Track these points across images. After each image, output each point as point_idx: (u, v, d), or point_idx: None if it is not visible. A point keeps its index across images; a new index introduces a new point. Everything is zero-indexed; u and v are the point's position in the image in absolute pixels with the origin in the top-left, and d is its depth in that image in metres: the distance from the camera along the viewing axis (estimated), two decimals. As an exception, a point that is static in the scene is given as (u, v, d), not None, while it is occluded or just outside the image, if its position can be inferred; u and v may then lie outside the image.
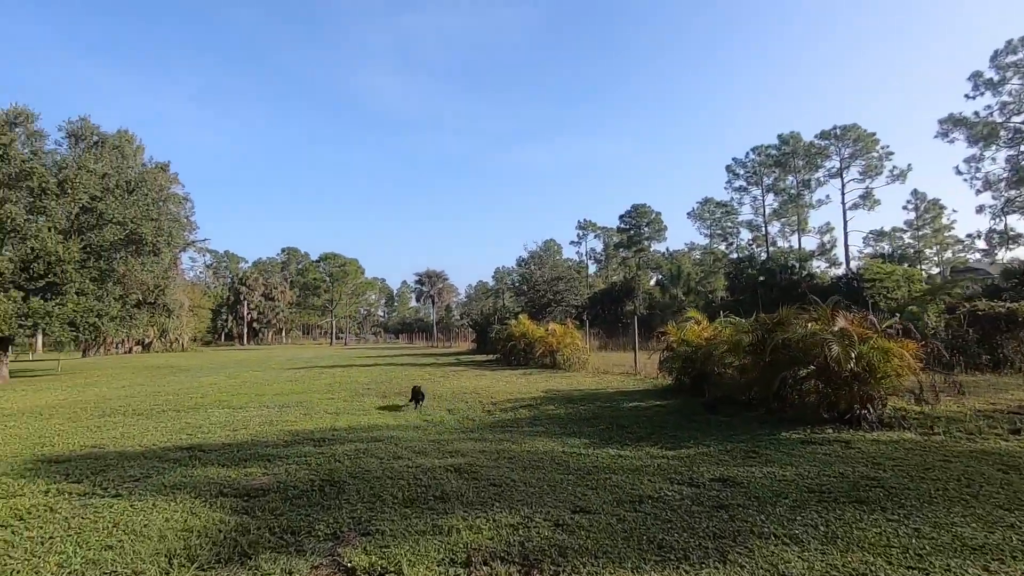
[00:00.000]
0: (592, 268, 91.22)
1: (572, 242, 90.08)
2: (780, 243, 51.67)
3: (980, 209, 43.72)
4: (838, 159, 45.52)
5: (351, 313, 78.83)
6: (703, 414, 8.04)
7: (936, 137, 37.70)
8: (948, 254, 49.14)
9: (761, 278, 45.37)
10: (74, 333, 17.68)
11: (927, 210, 48.79)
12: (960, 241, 48.42)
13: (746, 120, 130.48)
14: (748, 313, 10.48)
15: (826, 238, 50.28)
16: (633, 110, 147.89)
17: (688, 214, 67.59)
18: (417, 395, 9.76)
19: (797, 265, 43.88)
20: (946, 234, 48.76)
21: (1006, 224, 45.10)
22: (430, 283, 65.46)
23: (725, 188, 54.37)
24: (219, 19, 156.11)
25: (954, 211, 50.53)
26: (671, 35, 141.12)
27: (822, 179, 47.20)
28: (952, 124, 36.17)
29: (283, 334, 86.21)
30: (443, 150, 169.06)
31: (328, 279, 62.85)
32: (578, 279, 47.34)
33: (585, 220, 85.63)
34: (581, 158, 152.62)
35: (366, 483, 4.91)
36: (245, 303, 75.39)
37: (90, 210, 17.74)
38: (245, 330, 76.40)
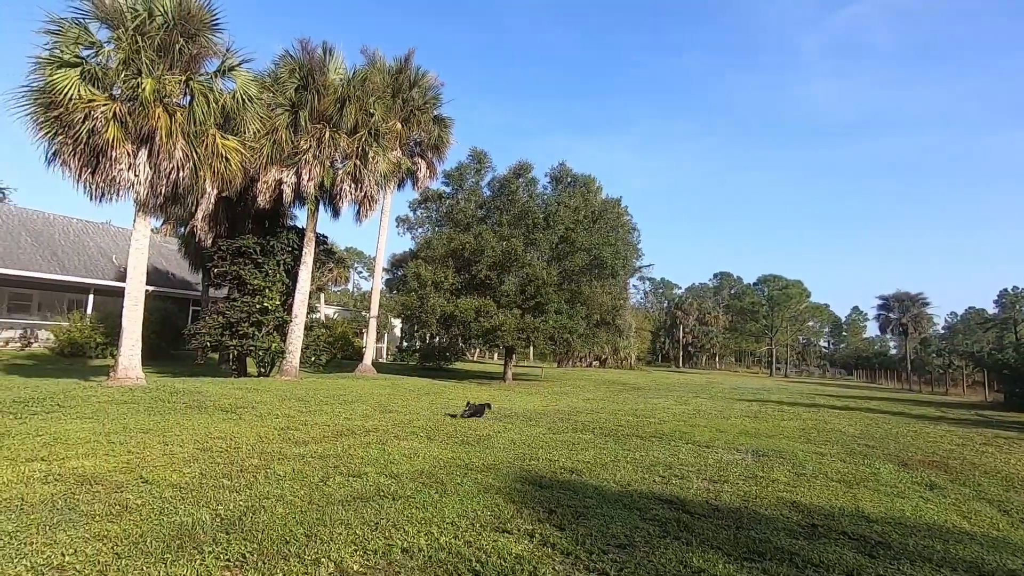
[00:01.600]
0: None
1: None
2: None
3: None
4: None
5: (791, 341, 70.64)
6: None
7: None
8: None
9: None
10: (552, 346, 20.35)
11: None
12: None
13: None
14: None
15: None
16: None
17: None
18: None
19: None
20: None
21: None
22: (900, 308, 51.37)
23: None
24: (668, 72, 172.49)
25: None
26: None
27: None
28: None
29: (716, 359, 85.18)
30: (884, 153, 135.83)
31: (766, 303, 57.74)
32: None
33: None
34: None
35: None
36: (680, 327, 78.02)
37: (565, 239, 20.35)
38: (680, 353, 78.98)
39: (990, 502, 6.01)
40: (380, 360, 36.02)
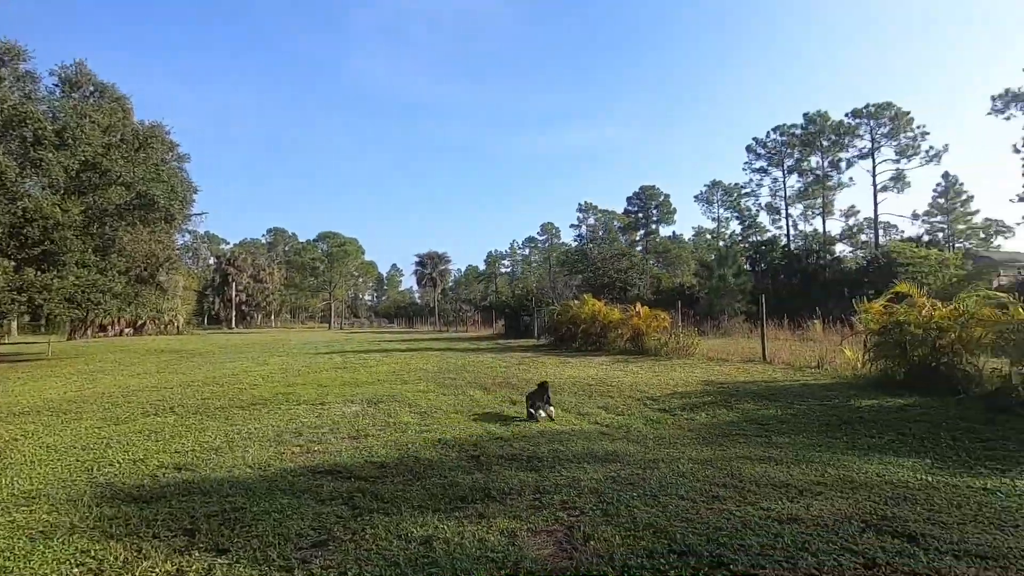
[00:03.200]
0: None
1: (572, 225, 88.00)
2: (801, 226, 50.51)
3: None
4: (869, 139, 43.99)
5: (345, 296, 75.69)
6: (982, 421, 6.09)
7: (990, 114, 36.56)
8: (970, 242, 48.42)
9: (784, 262, 43.96)
10: (75, 311, 15.14)
11: (956, 194, 47.80)
12: (986, 227, 47.59)
13: (758, 104, 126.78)
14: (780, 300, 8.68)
15: (851, 221, 49.13)
16: (638, 95, 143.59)
17: (695, 197, 65.97)
18: (543, 394, 6.83)
19: (820, 250, 42.51)
20: (972, 220, 47.94)
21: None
22: (432, 265, 62.70)
23: (744, 169, 52.62)
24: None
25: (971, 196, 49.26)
26: (676, 25, 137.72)
27: (851, 160, 45.74)
28: (1009, 99, 34.79)
29: (272, 317, 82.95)
30: (434, 135, 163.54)
31: (326, 259, 59.52)
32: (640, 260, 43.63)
33: (586, 203, 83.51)
34: (580, 145, 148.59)
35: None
36: (233, 285, 71.95)
37: (93, 166, 15.04)
38: (233, 313, 73.04)
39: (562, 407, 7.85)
40: None
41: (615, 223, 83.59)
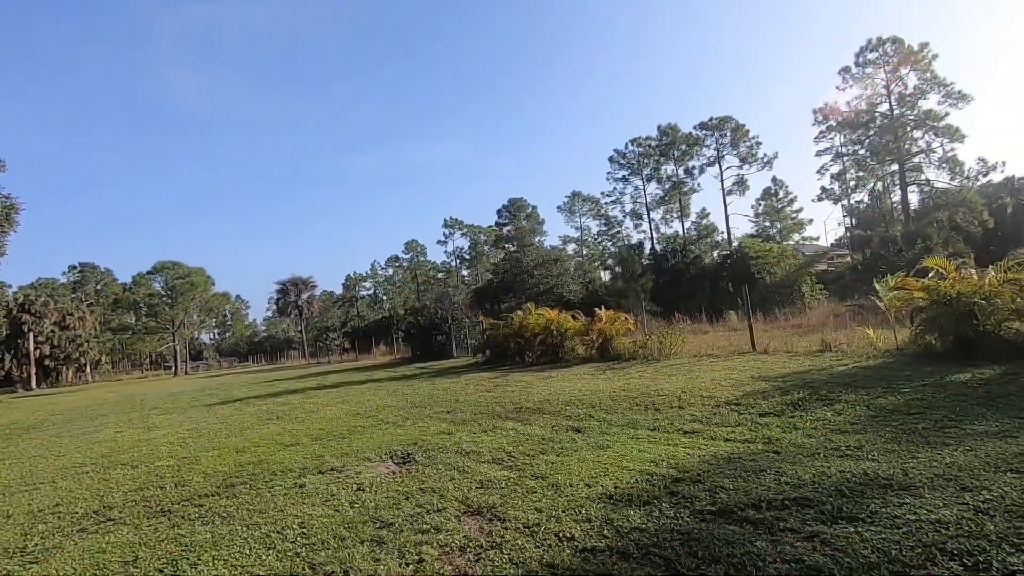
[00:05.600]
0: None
1: (439, 241, 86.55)
2: (663, 229, 55.27)
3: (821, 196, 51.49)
4: (715, 148, 49.90)
5: (193, 334, 64.99)
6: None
7: (814, 125, 43.87)
8: (796, 236, 57.30)
9: (652, 263, 47.26)
10: None
11: (783, 195, 56.35)
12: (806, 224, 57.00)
13: (607, 120, 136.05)
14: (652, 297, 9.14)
15: (703, 222, 54.97)
16: (478, 113, 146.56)
17: (558, 208, 68.78)
18: None
19: (683, 250, 46.58)
20: (794, 218, 56.96)
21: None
22: (296, 292, 56.37)
23: (607, 178, 56.24)
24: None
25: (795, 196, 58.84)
26: (517, 37, 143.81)
27: (701, 167, 51.36)
28: (828, 112, 41.69)
29: (88, 371, 68.60)
30: (261, 153, 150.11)
31: (169, 293, 50.00)
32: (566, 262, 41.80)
33: (451, 218, 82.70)
34: (418, 162, 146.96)
35: None
36: (31, 336, 58.11)
37: None
38: (33, 370, 58.83)
39: (675, 427, 6.60)
40: None
41: (481, 236, 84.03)
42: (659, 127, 50.62)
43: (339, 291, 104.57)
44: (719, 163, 50.76)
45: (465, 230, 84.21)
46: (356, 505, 4.62)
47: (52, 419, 16.51)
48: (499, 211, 65.00)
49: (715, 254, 49.45)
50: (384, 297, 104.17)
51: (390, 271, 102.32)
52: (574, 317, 15.63)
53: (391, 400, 11.46)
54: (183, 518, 4.85)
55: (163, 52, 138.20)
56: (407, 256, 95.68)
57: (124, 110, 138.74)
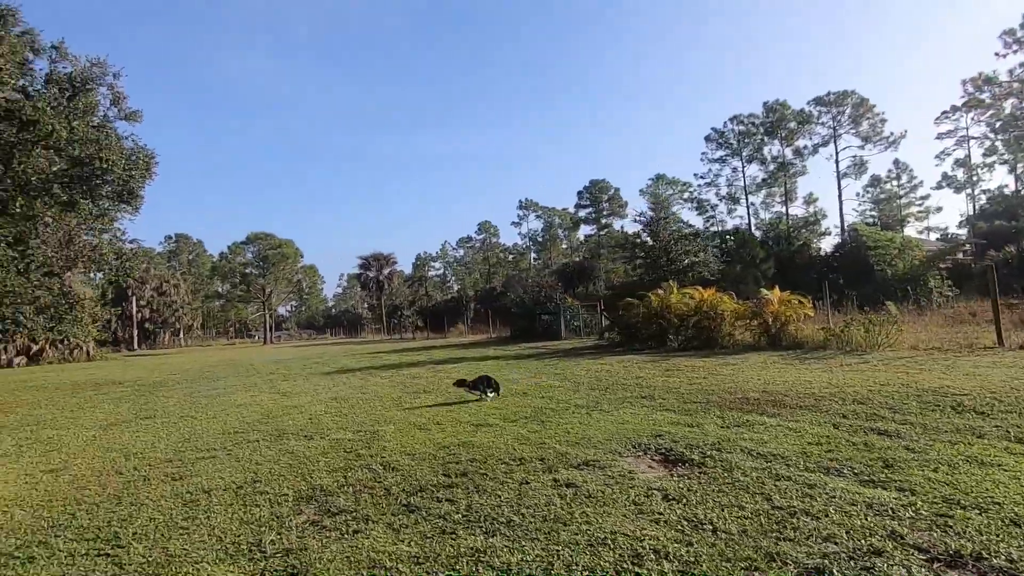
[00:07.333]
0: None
1: (513, 223, 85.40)
2: (763, 215, 51.30)
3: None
4: (831, 127, 45.23)
5: (283, 304, 67.66)
6: None
7: (962, 98, 38.55)
8: (923, 224, 51.82)
9: (755, 251, 43.87)
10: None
11: (908, 179, 50.95)
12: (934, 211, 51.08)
13: (707, 99, 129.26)
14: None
15: (811, 208, 50.60)
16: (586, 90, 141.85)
17: (640, 191, 65.73)
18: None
19: (787, 237, 42.91)
20: (922, 204, 51.30)
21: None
22: (378, 267, 56.96)
23: (701, 159, 52.62)
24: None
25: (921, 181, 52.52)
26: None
27: (815, 147, 46.83)
28: (982, 83, 36.62)
29: (182, 335, 72.78)
30: (319, 135, 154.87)
31: (261, 263, 51.78)
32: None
33: (527, 200, 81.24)
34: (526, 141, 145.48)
35: None
36: (134, 299, 61.91)
37: (8, 115, 9.84)
38: (135, 332, 62.84)
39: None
40: None
41: (555, 219, 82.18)
42: (765, 103, 46.37)
43: (408, 271, 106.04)
44: (835, 142, 45.98)
45: (540, 211, 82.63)
46: (707, 528, 3.12)
47: (173, 378, 16.39)
48: (579, 192, 62.78)
49: (823, 242, 45.22)
50: (452, 278, 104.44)
51: (461, 252, 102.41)
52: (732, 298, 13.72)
53: (551, 380, 10.05)
54: (439, 517, 3.56)
55: (232, 34, 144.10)
56: (480, 236, 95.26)
57: (208, 95, 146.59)
